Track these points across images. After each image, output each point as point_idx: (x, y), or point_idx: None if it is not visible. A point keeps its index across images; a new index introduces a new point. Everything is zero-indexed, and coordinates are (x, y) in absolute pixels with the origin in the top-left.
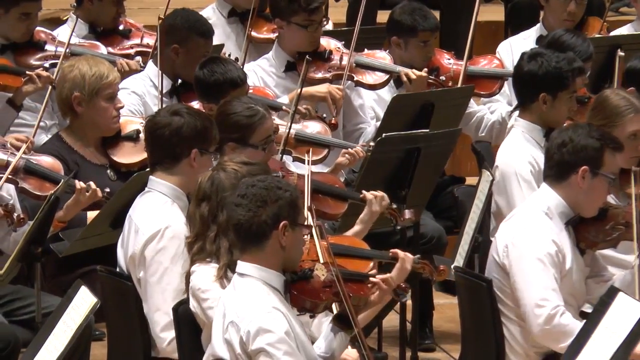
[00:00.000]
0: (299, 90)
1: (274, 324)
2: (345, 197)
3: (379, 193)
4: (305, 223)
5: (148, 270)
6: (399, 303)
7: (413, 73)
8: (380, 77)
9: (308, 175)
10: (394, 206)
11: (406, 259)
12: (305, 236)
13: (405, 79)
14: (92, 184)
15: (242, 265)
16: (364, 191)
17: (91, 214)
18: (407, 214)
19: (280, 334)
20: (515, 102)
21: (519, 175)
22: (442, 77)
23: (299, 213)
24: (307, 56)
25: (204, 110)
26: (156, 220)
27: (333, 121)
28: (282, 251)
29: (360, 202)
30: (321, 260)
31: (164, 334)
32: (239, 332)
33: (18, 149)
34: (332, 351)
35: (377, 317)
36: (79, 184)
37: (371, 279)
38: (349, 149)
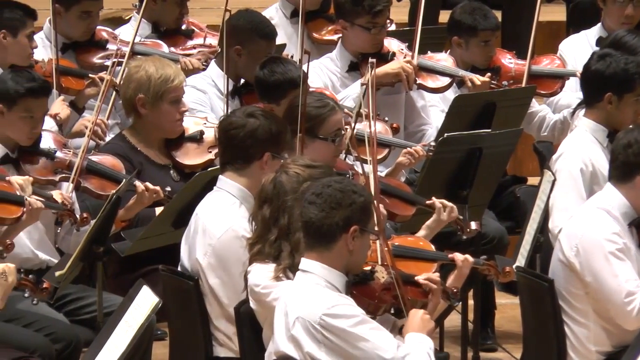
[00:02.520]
0: (360, 95)
1: (349, 308)
2: (414, 201)
3: (449, 204)
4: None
5: (224, 276)
6: (461, 304)
7: (477, 79)
8: (443, 81)
9: (375, 178)
10: (460, 217)
11: (464, 264)
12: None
13: (470, 84)
14: (150, 185)
15: (305, 262)
16: (434, 198)
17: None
18: (473, 225)
19: (358, 315)
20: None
21: (569, 171)
22: (505, 83)
23: (370, 218)
24: (370, 58)
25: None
26: (224, 222)
27: (395, 125)
28: (349, 254)
29: (427, 207)
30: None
31: None
32: (310, 327)
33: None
34: None
35: (438, 317)
36: (140, 185)
37: (418, 279)
38: (410, 149)
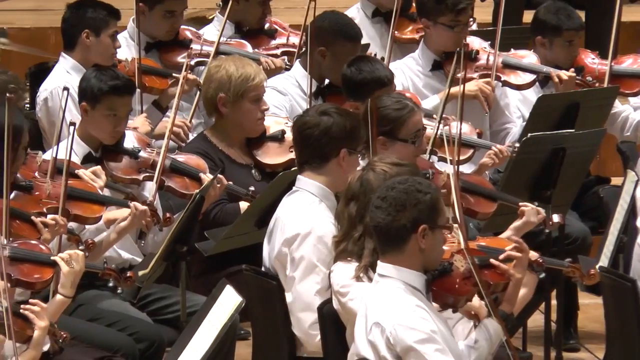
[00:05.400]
0: (446, 90)
1: (420, 322)
2: (495, 198)
3: (534, 206)
4: (448, 223)
5: (295, 269)
6: (544, 304)
7: (563, 74)
8: (527, 77)
9: (455, 175)
10: (543, 213)
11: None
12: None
13: (556, 79)
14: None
15: (382, 267)
16: (520, 203)
17: (243, 205)
18: (556, 218)
19: (427, 331)
20: None
21: None
22: (589, 78)
23: (439, 215)
24: (457, 50)
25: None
26: (303, 219)
27: (478, 130)
28: (422, 253)
29: (514, 205)
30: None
31: (314, 331)
32: (384, 333)
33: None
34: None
35: (521, 317)
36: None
37: (495, 262)
38: (494, 149)
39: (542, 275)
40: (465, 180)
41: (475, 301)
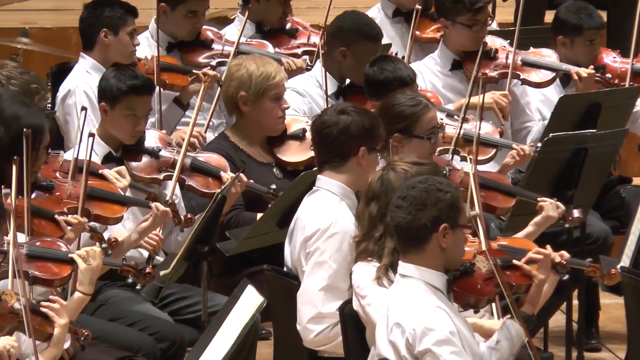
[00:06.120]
0: (469, 90)
1: (439, 324)
2: (513, 193)
3: (554, 201)
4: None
5: (307, 262)
6: (565, 304)
7: (583, 71)
8: (547, 75)
9: (474, 175)
10: (563, 207)
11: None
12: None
13: (575, 77)
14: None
15: (403, 267)
16: (539, 198)
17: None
18: (576, 213)
19: (445, 333)
20: None
21: None
22: (608, 75)
23: (459, 214)
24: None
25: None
26: (322, 217)
27: (499, 130)
28: (443, 252)
29: (532, 200)
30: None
31: (311, 326)
32: (404, 334)
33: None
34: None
35: (543, 317)
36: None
37: (518, 263)
38: (516, 149)
39: (566, 277)
40: (482, 177)
41: (497, 325)
